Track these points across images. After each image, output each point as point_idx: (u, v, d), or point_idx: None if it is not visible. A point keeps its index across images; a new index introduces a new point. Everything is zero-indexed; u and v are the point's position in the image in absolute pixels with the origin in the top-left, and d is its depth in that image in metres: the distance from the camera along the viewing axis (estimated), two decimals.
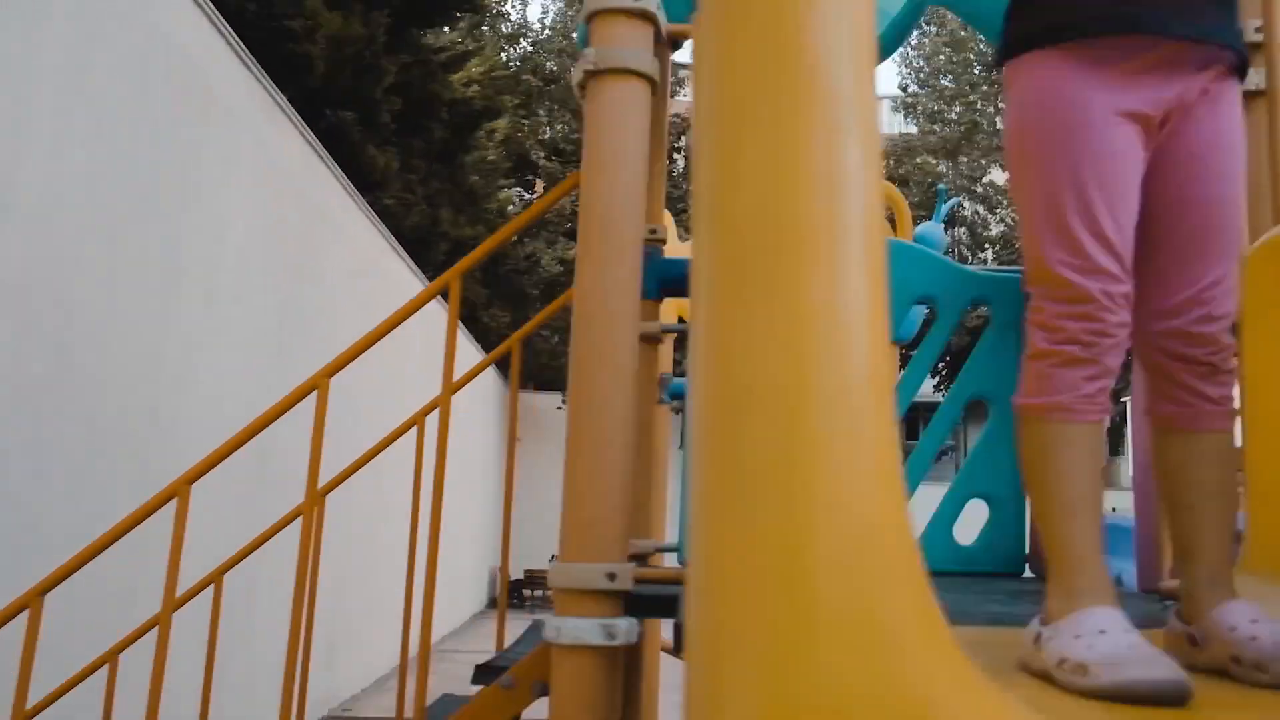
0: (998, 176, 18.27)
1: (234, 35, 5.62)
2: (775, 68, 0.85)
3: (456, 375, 2.62)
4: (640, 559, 2.47)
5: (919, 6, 3.75)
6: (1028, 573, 3.25)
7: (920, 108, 19.05)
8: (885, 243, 0.87)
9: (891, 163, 18.36)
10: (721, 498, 0.82)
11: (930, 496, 3.33)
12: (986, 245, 19.40)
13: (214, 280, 5.82)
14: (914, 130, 19.18)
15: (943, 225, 6.10)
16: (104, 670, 2.96)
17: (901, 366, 7.77)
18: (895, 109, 20.22)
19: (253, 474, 5.90)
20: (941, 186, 6.89)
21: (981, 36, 3.89)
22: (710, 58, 0.88)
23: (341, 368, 2.57)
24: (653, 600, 2.02)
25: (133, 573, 4.54)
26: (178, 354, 5.52)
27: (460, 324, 4.24)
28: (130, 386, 5.06)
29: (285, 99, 6.42)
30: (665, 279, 2.72)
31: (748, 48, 0.86)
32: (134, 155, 4.88)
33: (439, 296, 2.80)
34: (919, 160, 17.99)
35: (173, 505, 2.67)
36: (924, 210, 14.85)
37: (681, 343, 3.07)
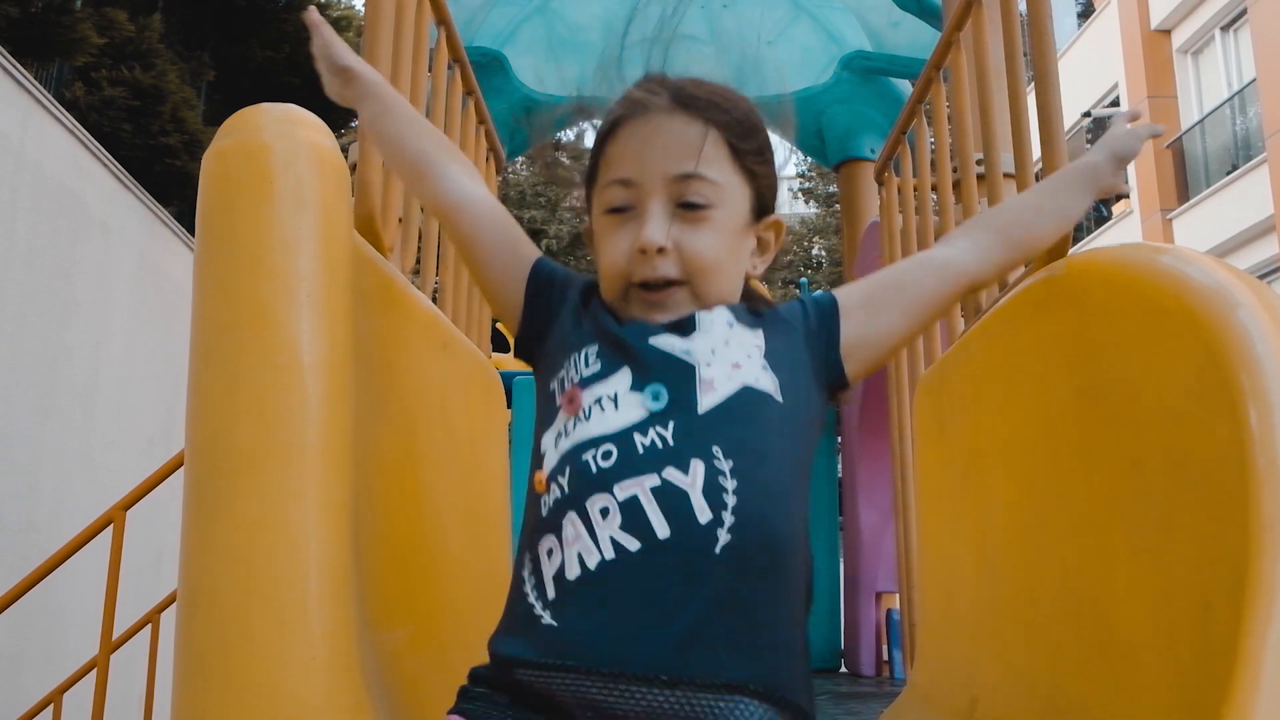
0: None
1: (107, 155, 5.76)
2: (231, 319, 0.98)
3: None
4: None
5: None
6: (843, 668, 3.38)
7: (817, 191, 19.72)
8: (346, 460, 1.01)
9: (805, 244, 18.96)
10: (179, 687, 0.94)
11: None
12: None
13: (93, 395, 5.86)
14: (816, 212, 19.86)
15: None
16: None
17: None
18: (795, 196, 20.85)
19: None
20: (803, 280, 7.17)
21: None
22: (197, 298, 1.01)
23: (139, 499, 2.66)
24: None
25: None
26: (55, 470, 5.54)
27: None
28: (6, 503, 5.08)
29: (168, 213, 6.55)
30: None
31: (216, 294, 1.00)
32: (4, 276, 4.97)
33: None
34: (833, 242, 18.54)
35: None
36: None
37: None
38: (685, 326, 1.09)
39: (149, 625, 3.21)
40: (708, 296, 1.12)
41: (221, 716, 0.88)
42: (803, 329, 1.14)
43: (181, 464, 2.76)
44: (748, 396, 1.05)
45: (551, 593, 1.00)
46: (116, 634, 2.83)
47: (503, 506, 1.91)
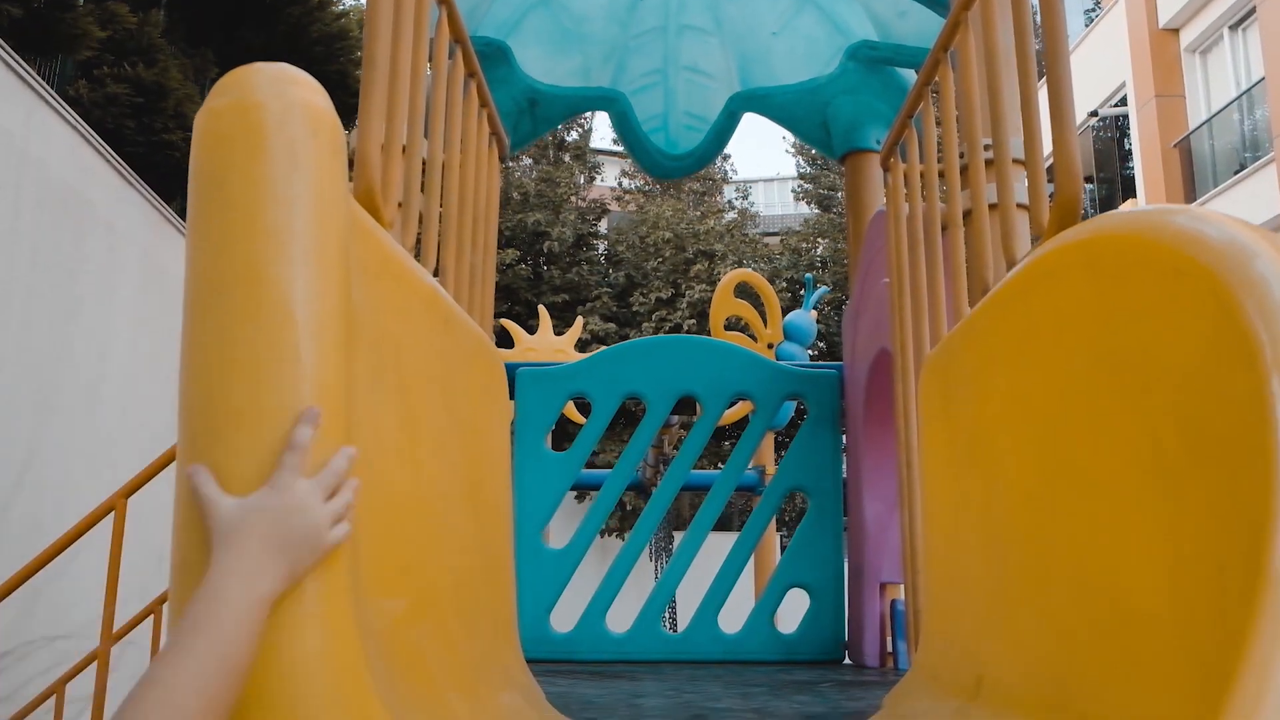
0: None
1: (111, 152, 5.75)
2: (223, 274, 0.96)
3: None
4: None
5: (734, 115, 3.96)
6: (846, 660, 3.36)
7: (816, 192, 19.57)
8: (340, 421, 0.99)
9: (808, 244, 18.80)
10: None
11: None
12: None
13: (98, 392, 5.85)
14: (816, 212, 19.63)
15: (812, 313, 6.31)
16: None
17: (777, 451, 7.85)
18: (798, 197, 20.69)
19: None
20: (809, 276, 7.12)
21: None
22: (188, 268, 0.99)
23: (139, 487, 2.65)
24: None
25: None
26: (59, 466, 5.52)
27: None
28: (10, 500, 5.07)
29: (171, 210, 6.54)
30: None
31: (208, 260, 0.98)
32: (9, 274, 4.96)
33: None
34: (840, 247, 18.39)
35: None
36: (844, 291, 15.12)
37: None
38: None
39: (151, 617, 3.20)
40: None
41: None
42: None
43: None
44: None
45: None
46: (118, 626, 2.81)
47: (505, 489, 1.89)
